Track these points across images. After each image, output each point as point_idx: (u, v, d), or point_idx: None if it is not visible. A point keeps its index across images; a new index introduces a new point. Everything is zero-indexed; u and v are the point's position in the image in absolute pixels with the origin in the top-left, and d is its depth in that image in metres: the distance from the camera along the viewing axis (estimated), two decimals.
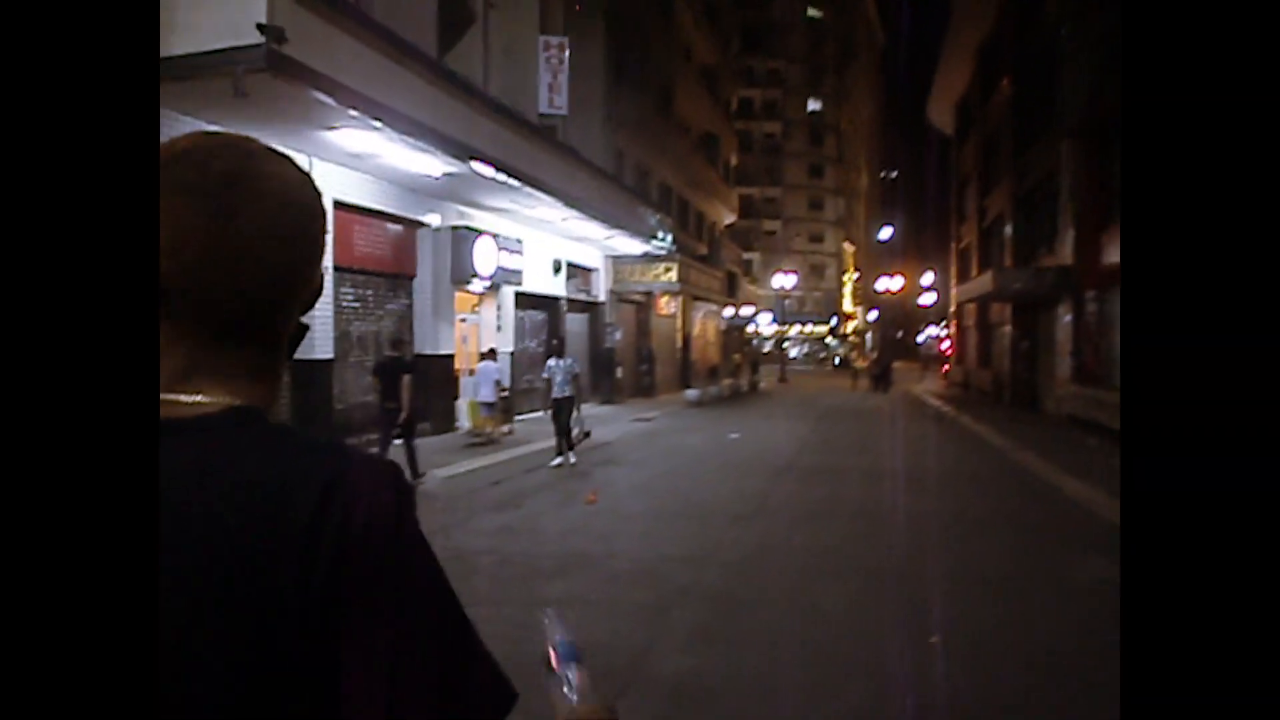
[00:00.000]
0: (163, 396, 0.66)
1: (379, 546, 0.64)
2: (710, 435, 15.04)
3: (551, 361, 11.20)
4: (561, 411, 10.81)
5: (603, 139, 20.30)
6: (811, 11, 65.42)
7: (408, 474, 7.79)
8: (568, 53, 15.09)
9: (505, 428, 13.47)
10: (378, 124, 8.71)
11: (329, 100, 7.79)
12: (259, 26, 6.38)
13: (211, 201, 0.68)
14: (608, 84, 20.21)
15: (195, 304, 0.68)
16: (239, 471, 0.65)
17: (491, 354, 13.13)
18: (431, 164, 10.40)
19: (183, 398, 0.68)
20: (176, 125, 7.40)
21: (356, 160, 10.22)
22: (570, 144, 16.46)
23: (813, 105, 66.63)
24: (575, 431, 11.00)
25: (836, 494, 9.22)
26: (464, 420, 13.53)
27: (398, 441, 8.97)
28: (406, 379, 8.91)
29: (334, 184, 10.38)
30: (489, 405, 12.70)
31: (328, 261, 10.34)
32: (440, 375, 13.25)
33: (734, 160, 40.41)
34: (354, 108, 8.25)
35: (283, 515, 0.63)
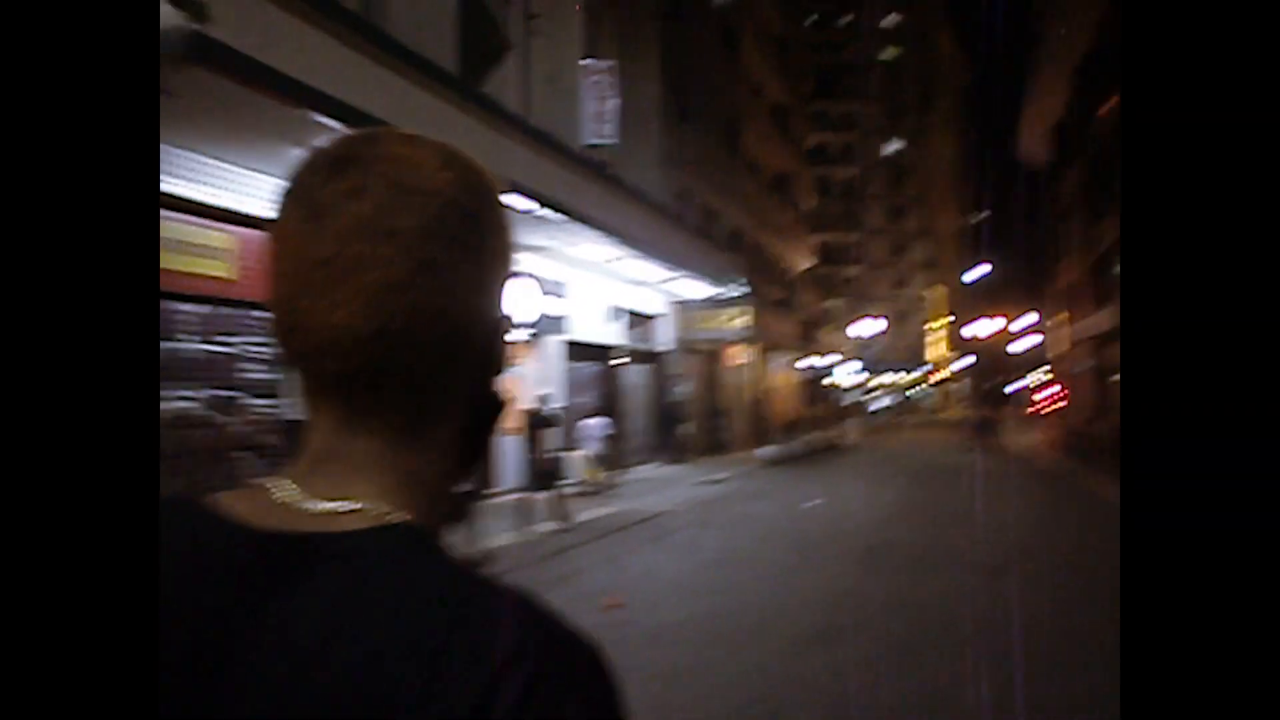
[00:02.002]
0: (280, 497, 0.51)
1: None
2: (783, 502, 12.99)
3: (588, 421, 11.28)
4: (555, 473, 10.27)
5: (662, 177, 18.89)
6: (886, 52, 63.70)
7: (556, 519, 8.88)
8: (615, 78, 13.75)
9: (604, 477, 13.94)
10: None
11: (284, 104, 6.46)
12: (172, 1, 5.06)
13: (303, 200, 0.51)
14: (666, 119, 18.86)
15: (303, 354, 0.51)
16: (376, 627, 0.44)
17: (588, 414, 12.99)
18: None
19: (306, 504, 0.50)
20: None
21: None
22: (626, 181, 15.06)
23: (891, 147, 64.40)
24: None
25: (940, 598, 6.94)
26: (573, 472, 13.95)
27: (542, 493, 9.68)
28: (548, 432, 9.86)
29: None
30: (595, 458, 13.68)
31: None
32: None
33: (810, 203, 38.62)
34: (331, 115, 6.93)
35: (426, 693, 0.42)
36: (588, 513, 10.90)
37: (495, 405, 0.57)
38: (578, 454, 13.80)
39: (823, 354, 36.62)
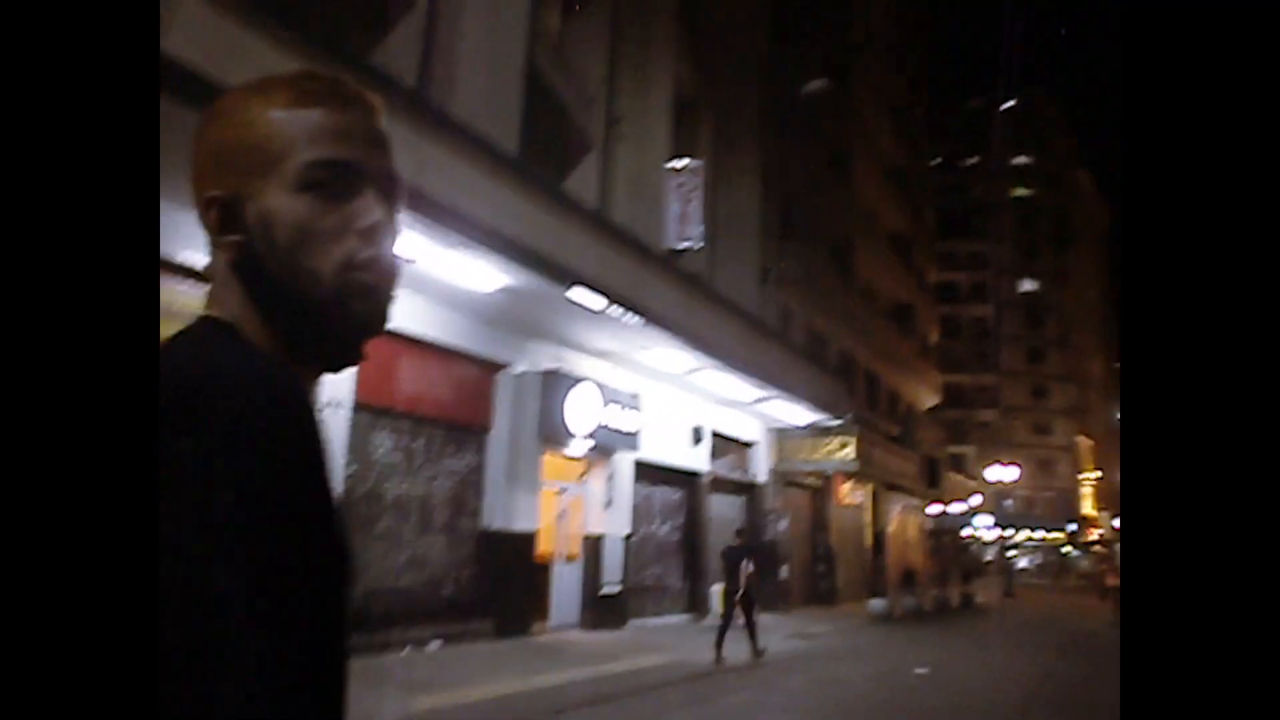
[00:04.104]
0: None
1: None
2: (887, 667, 10.57)
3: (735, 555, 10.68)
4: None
5: (762, 294, 17.71)
6: (1019, 190, 61.73)
7: (750, 649, 9.81)
8: (701, 179, 12.93)
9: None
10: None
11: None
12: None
13: None
14: (764, 233, 17.89)
15: None
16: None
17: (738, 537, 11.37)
18: (488, 274, 8.12)
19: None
20: None
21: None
22: (715, 290, 13.96)
23: (1026, 286, 61.08)
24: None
25: None
26: (715, 605, 13.27)
27: (739, 622, 10.02)
28: (747, 564, 10.28)
29: None
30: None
31: (348, 399, 8.13)
32: (513, 557, 10.23)
33: (933, 337, 36.26)
34: None
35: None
36: (626, 660, 9.05)
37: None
38: (715, 588, 13.58)
39: (951, 501, 33.05)
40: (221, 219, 0.70)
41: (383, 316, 0.71)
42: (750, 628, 10.16)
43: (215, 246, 0.71)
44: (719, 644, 9.78)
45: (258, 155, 0.69)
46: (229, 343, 0.67)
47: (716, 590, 13.53)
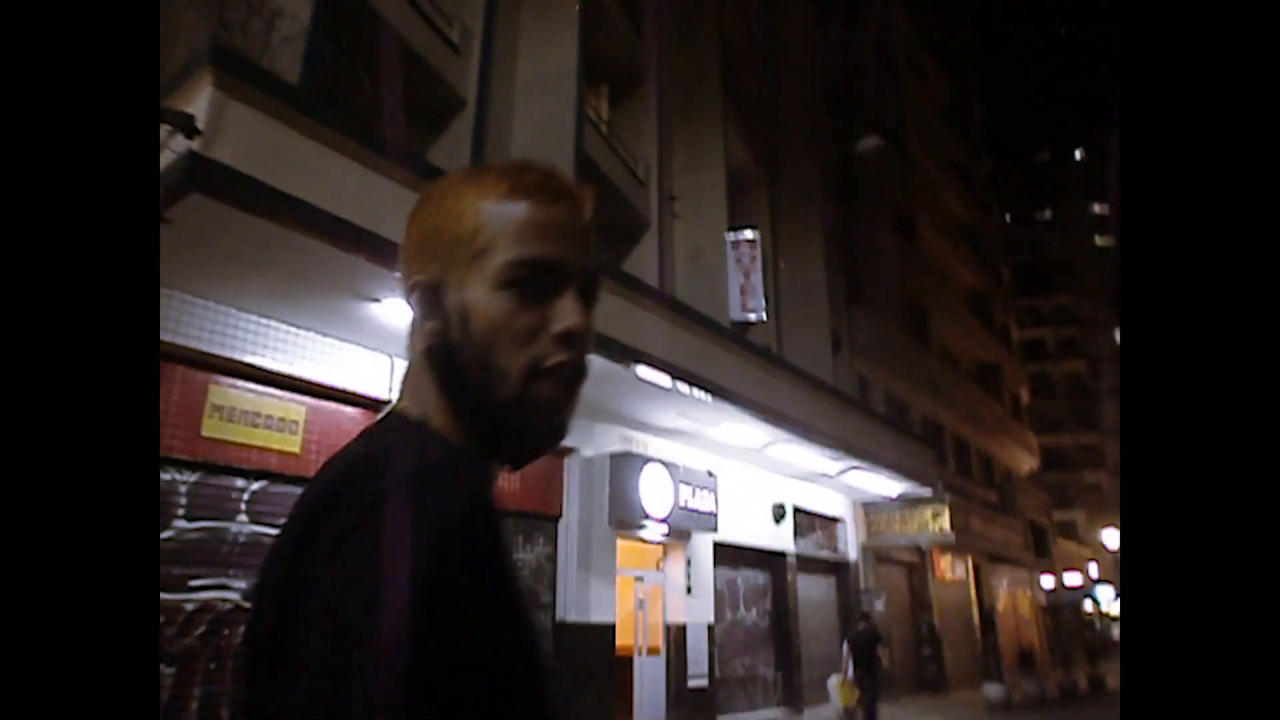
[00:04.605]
0: None
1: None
2: None
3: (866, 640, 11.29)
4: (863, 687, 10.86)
5: (836, 364, 17.16)
6: (1101, 239, 59.59)
7: None
8: (758, 250, 12.73)
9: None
10: None
11: (336, 247, 5.77)
12: (163, 114, 4.55)
13: None
14: (833, 301, 17.46)
15: None
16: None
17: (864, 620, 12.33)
18: None
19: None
20: None
21: None
22: (785, 360, 13.55)
23: (1119, 336, 58.10)
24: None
25: None
26: (835, 699, 13.02)
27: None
28: (879, 648, 10.94)
29: None
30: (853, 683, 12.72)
31: None
32: (592, 650, 9.72)
33: (1025, 397, 34.52)
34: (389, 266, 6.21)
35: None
36: None
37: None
38: (833, 679, 13.47)
39: (1064, 571, 30.65)
40: (424, 303, 0.70)
41: (562, 430, 0.71)
42: (871, 711, 10.53)
43: (414, 332, 0.72)
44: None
45: (462, 246, 0.69)
46: (428, 439, 0.66)
47: (834, 682, 13.45)
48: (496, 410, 0.67)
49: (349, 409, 7.76)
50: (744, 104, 15.85)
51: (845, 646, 12.78)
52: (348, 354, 7.61)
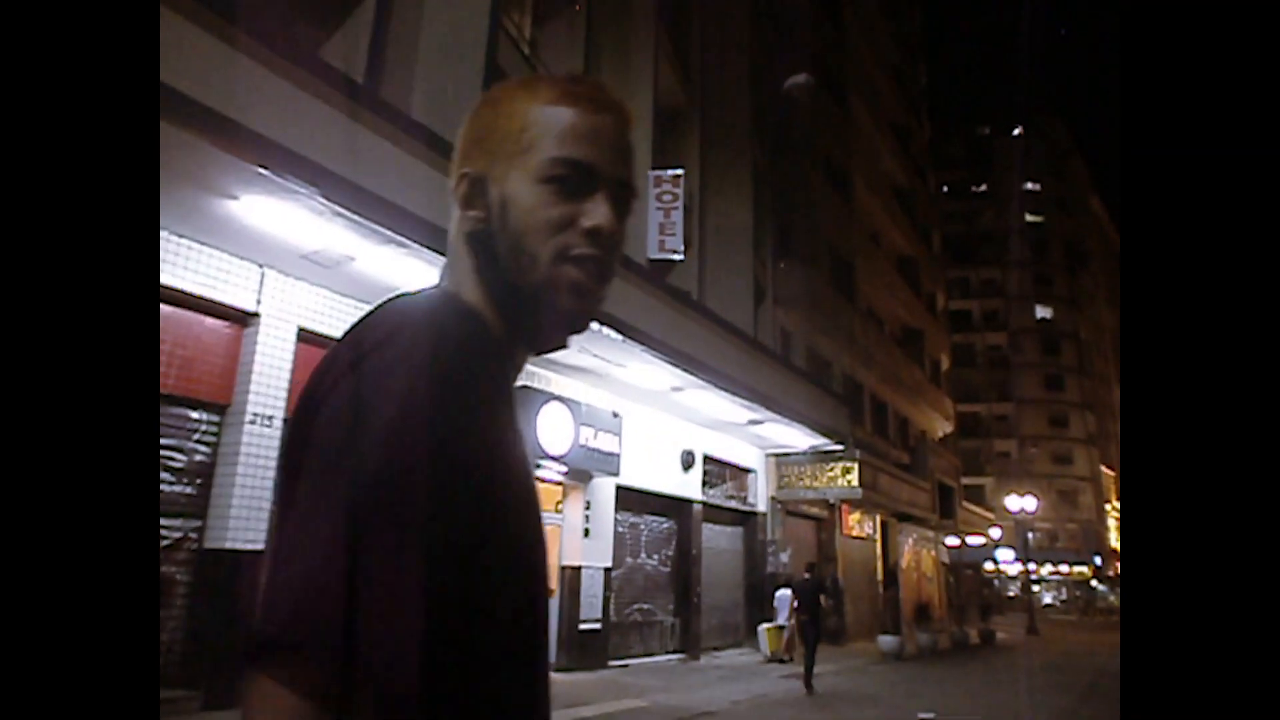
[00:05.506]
0: None
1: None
2: (888, 711, 9.54)
3: (784, 593, 12.80)
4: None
5: (758, 314, 16.94)
6: (1030, 216, 60.98)
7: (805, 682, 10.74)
8: (681, 187, 12.26)
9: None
10: (299, 188, 5.88)
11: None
12: None
13: None
14: (759, 250, 17.17)
15: None
16: None
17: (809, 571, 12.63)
18: (419, 270, 7.41)
19: None
20: None
21: (327, 272, 7.49)
22: (703, 306, 13.21)
23: (1041, 312, 59.98)
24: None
25: None
26: (763, 644, 14.04)
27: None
28: (821, 597, 11.61)
29: (299, 308, 7.65)
30: (783, 628, 13.90)
31: (279, 412, 7.40)
32: None
33: (945, 364, 35.25)
34: (262, 163, 5.54)
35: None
36: (601, 704, 8.13)
37: None
38: (763, 627, 14.34)
39: (968, 533, 31.73)
40: (468, 194, 0.76)
41: (587, 315, 0.75)
42: (809, 660, 10.94)
43: (457, 219, 0.77)
44: (808, 681, 10.69)
45: (510, 143, 0.74)
46: (443, 296, 0.73)
47: (764, 630, 14.29)
48: (525, 290, 0.73)
49: (210, 320, 7.09)
50: (679, 37, 15.19)
51: (789, 594, 13.73)
52: (208, 259, 6.91)
